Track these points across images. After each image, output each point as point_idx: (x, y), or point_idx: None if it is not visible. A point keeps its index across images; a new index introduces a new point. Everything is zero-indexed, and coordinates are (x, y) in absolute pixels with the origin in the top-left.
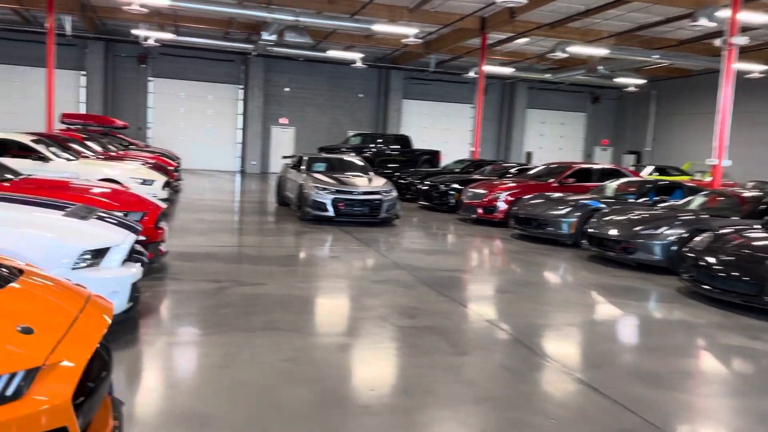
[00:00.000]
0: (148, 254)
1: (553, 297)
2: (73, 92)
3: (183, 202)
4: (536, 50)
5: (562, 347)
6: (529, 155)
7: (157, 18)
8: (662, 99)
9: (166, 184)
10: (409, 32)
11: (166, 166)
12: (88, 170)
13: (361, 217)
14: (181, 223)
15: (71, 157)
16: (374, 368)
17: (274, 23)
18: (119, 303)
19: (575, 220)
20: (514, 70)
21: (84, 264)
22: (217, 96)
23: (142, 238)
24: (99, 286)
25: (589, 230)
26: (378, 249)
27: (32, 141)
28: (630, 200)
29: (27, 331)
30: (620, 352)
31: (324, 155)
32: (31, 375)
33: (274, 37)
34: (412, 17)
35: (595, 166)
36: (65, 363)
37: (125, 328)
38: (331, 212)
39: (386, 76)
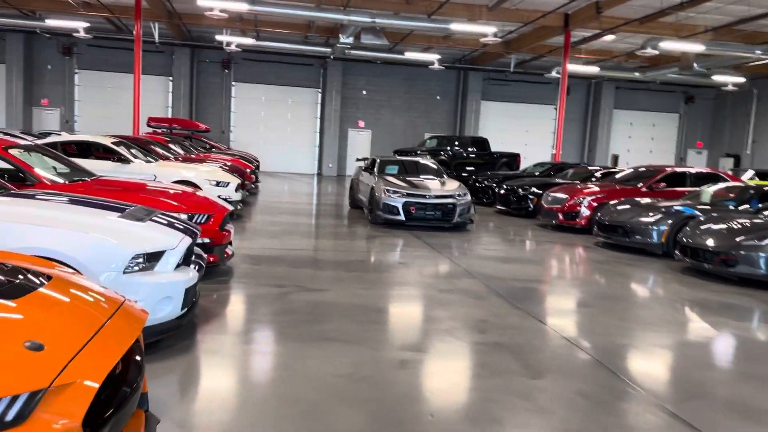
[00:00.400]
0: (213, 257)
1: (641, 313)
2: (161, 97)
3: (258, 204)
4: (624, 47)
5: (650, 372)
6: (615, 158)
7: (238, 23)
8: (764, 98)
9: (241, 186)
10: (488, 31)
11: (243, 168)
12: (165, 172)
13: (433, 222)
14: (253, 225)
15: (150, 160)
16: (436, 390)
17: (351, 25)
18: (172, 309)
19: (667, 228)
20: (599, 69)
21: (137, 268)
22: (296, 100)
23: (206, 240)
24: (151, 291)
25: (682, 240)
26: (449, 255)
27: (113, 143)
28: (729, 207)
29: (36, 347)
30: (719, 380)
31: (396, 158)
32: (35, 397)
33: (351, 40)
34: (491, 16)
35: (689, 170)
36: (77, 382)
37: (180, 334)
38: (402, 216)
39: (464, 77)
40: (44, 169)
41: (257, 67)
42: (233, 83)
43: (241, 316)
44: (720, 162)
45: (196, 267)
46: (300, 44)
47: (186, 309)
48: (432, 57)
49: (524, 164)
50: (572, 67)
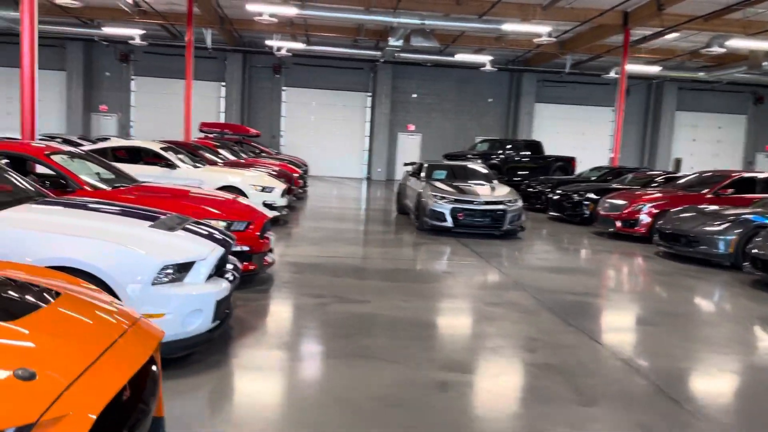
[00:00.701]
0: (252, 265)
1: (708, 333)
2: (214, 102)
3: (305, 209)
4: (687, 46)
5: (718, 401)
6: (678, 162)
7: (288, 28)
8: None
9: (287, 191)
10: (542, 31)
11: (291, 173)
12: (212, 177)
13: (482, 229)
14: (298, 231)
15: (198, 165)
16: (478, 417)
17: (401, 28)
18: (203, 321)
19: (735, 237)
20: (660, 69)
21: (166, 279)
22: (346, 104)
23: (244, 248)
24: (181, 303)
25: (753, 251)
26: (498, 265)
27: (161, 149)
28: None
29: (27, 376)
30: None
31: (445, 162)
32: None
33: (400, 43)
34: (545, 15)
35: (758, 175)
36: (70, 414)
37: (212, 347)
38: (449, 223)
39: (517, 79)
40: (88, 175)
41: (307, 72)
42: (284, 88)
43: (276, 329)
44: None
45: (231, 277)
46: (349, 48)
47: (218, 322)
48: (484, 59)
49: (580, 168)
50: (632, 67)
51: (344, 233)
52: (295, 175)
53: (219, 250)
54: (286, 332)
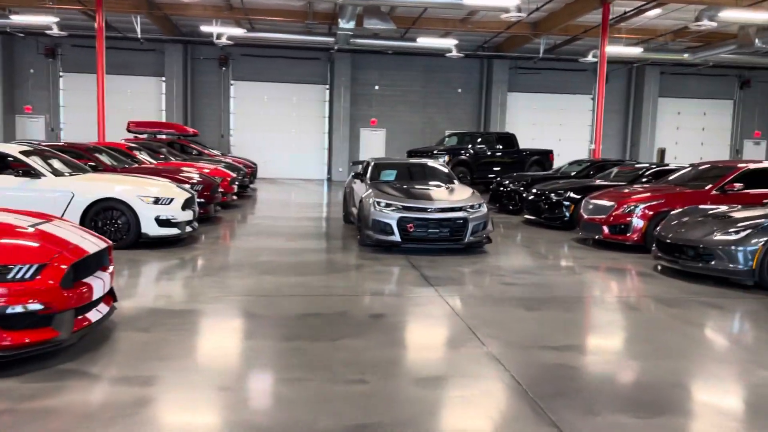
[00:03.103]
0: (45, 333)
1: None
2: (154, 99)
3: (231, 220)
4: (670, 24)
5: None
6: (662, 152)
7: (227, 13)
8: None
9: (186, 204)
10: (509, 4)
11: (224, 177)
12: (87, 187)
13: (438, 243)
14: (195, 254)
15: (76, 173)
16: None
17: (349, 5)
18: None
19: (759, 248)
20: (642, 50)
21: None
22: (302, 98)
23: (32, 306)
24: None
25: None
26: (451, 298)
27: (22, 153)
28: None
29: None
30: None
31: (396, 160)
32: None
33: (352, 25)
34: None
35: None
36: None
37: None
38: (396, 236)
39: (488, 67)
40: None
41: (257, 64)
42: (232, 82)
43: None
44: None
45: None
46: (300, 35)
47: None
48: (449, 42)
49: (558, 162)
50: (612, 49)
51: (262, 254)
52: (229, 179)
53: None
54: None
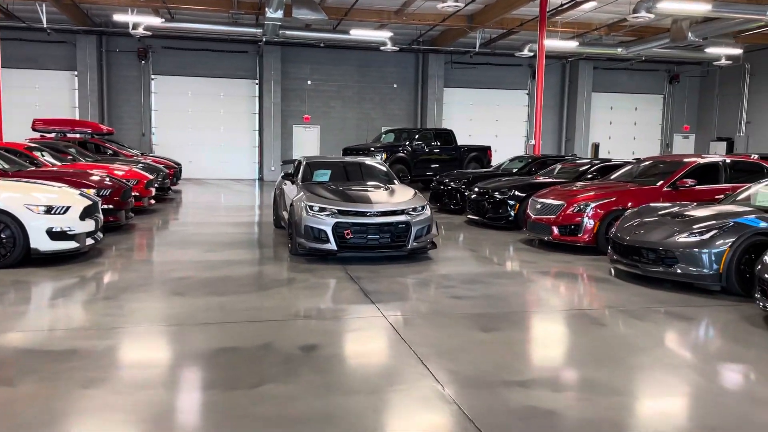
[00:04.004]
0: None
1: None
2: (66, 95)
3: (150, 229)
4: (606, 18)
5: None
6: (596, 147)
7: (143, 1)
8: (758, 74)
9: (86, 212)
10: None
11: (139, 179)
12: None
13: (379, 250)
14: (106, 269)
15: None
16: None
17: None
18: None
19: (726, 250)
20: (578, 44)
21: None
22: (230, 93)
23: None
24: None
25: (764, 274)
26: (395, 317)
27: None
28: None
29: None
30: None
31: (331, 159)
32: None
33: (280, 15)
34: None
35: (720, 159)
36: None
37: None
38: (332, 244)
39: (424, 62)
40: None
41: (180, 57)
42: (153, 77)
43: None
44: (710, 146)
45: None
46: (225, 25)
47: None
48: (383, 34)
49: (496, 158)
50: (548, 43)
51: (177, 269)
52: (138, 182)
53: None
54: None
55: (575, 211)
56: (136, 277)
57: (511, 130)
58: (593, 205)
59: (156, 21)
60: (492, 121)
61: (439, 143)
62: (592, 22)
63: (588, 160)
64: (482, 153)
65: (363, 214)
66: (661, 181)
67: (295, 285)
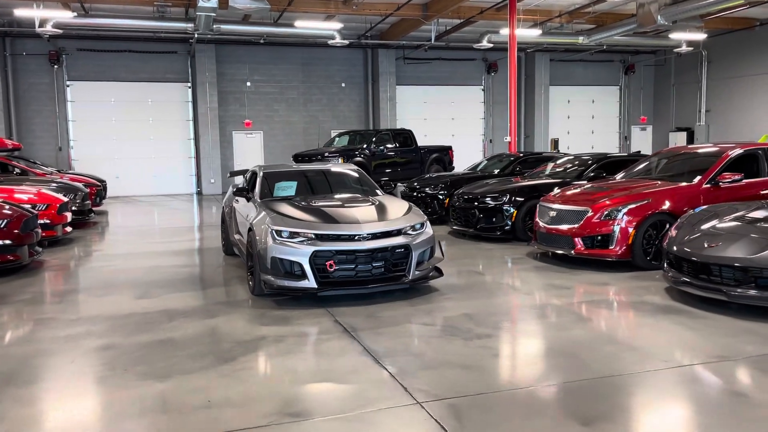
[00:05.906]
0: None
1: None
2: None
3: (60, 268)
4: (567, 4)
5: None
6: (555, 143)
7: None
8: (715, 61)
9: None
10: None
11: (50, 203)
12: None
13: (372, 285)
14: None
15: None
16: None
17: None
18: None
19: None
20: (540, 32)
21: None
22: (159, 99)
23: None
24: None
25: None
26: (434, 403)
27: None
28: None
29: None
30: None
31: (294, 168)
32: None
33: (215, 4)
34: None
35: (760, 148)
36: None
37: None
38: (311, 281)
39: (373, 58)
40: None
41: (100, 60)
42: (68, 83)
43: None
44: (670, 137)
45: None
46: (150, 20)
47: None
48: (332, 26)
49: (457, 160)
50: (507, 32)
51: (96, 333)
52: (48, 206)
53: None
54: None
55: (603, 218)
56: (26, 351)
57: (468, 128)
58: (624, 210)
59: (67, 15)
60: (448, 120)
61: (398, 145)
62: (552, 9)
63: (589, 156)
64: (443, 154)
65: (350, 238)
66: (699, 177)
67: (268, 348)
